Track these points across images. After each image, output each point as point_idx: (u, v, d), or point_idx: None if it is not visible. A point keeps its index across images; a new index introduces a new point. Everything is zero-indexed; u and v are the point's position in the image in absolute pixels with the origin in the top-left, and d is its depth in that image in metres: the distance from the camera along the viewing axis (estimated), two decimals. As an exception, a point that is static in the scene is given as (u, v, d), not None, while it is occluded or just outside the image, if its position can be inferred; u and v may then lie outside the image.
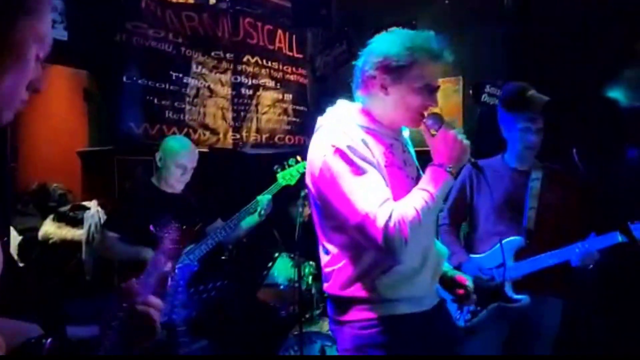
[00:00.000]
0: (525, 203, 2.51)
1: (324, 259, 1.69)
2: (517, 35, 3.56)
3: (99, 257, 3.34)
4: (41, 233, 3.55)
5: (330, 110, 1.73)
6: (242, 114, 4.32)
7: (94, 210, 3.56)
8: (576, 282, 2.60)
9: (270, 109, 4.54)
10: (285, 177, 3.10)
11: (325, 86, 4.86)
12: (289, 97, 4.69)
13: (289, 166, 3.12)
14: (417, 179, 1.67)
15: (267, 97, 4.52)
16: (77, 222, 3.56)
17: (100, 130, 3.89)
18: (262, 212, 3.00)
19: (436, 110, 1.69)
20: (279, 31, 4.63)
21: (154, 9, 3.76)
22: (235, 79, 4.28)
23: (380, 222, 1.45)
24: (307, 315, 3.34)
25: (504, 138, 2.58)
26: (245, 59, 4.34)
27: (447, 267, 1.83)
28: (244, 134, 4.33)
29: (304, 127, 4.75)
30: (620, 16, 3.13)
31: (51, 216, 3.61)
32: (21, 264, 3.57)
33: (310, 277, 3.36)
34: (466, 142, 1.59)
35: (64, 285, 3.38)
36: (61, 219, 3.60)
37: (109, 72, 3.60)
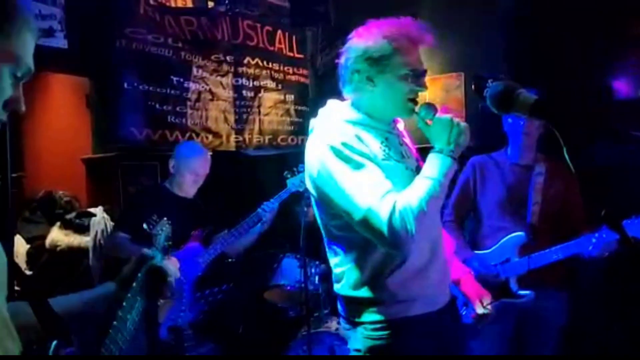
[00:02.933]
0: (529, 198, 2.50)
1: (334, 260, 1.68)
2: (517, 28, 3.55)
3: (107, 262, 3.36)
4: (49, 240, 3.58)
5: (321, 111, 1.73)
6: (244, 116, 4.33)
7: (100, 217, 3.58)
8: (581, 276, 2.59)
9: (272, 110, 4.55)
10: (295, 183, 3.11)
11: (327, 85, 4.85)
12: (290, 97, 4.69)
13: (299, 172, 3.13)
14: (418, 170, 1.65)
15: (269, 98, 4.52)
16: (83, 229, 3.58)
17: (103, 136, 3.91)
18: (265, 221, 3.00)
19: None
20: (279, 32, 4.63)
21: (153, 14, 3.77)
22: (236, 81, 4.28)
23: (384, 215, 1.43)
24: (315, 315, 3.34)
25: (505, 132, 2.57)
26: (245, 61, 4.34)
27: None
28: (246, 136, 4.34)
29: (306, 128, 4.73)
30: (622, 5, 3.11)
31: (58, 223, 3.63)
32: (29, 272, 3.60)
33: (317, 277, 3.37)
34: (463, 124, 1.57)
35: (72, 292, 3.40)
36: (68, 226, 3.62)
37: (109, 78, 3.61)
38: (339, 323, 3.29)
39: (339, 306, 1.71)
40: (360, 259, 1.59)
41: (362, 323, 1.60)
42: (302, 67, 4.81)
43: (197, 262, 2.82)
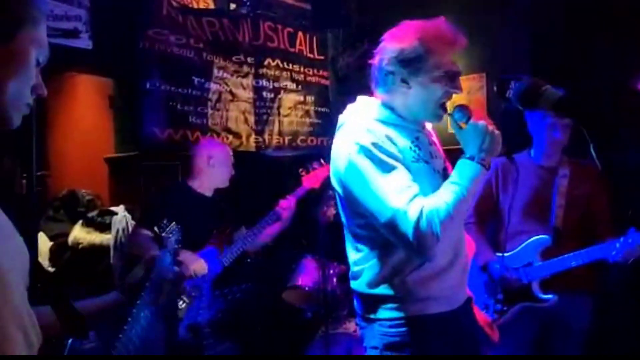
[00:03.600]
0: (552, 200, 2.45)
1: (354, 256, 1.67)
2: (541, 28, 3.50)
3: (128, 260, 3.39)
4: (71, 238, 3.63)
5: (350, 107, 1.71)
6: (264, 117, 4.35)
7: (121, 215, 3.62)
8: (605, 279, 2.54)
9: (292, 111, 4.56)
10: (310, 180, 3.10)
11: (347, 87, 4.85)
12: (310, 99, 4.69)
13: (314, 169, 3.12)
14: (445, 171, 1.64)
15: (289, 99, 4.54)
16: (105, 227, 3.62)
17: (126, 136, 3.96)
18: (285, 218, 3.01)
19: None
20: (300, 33, 4.64)
21: (175, 15, 3.81)
22: (257, 82, 4.30)
23: (411, 219, 1.42)
24: (333, 316, 3.33)
25: (529, 134, 2.53)
26: (266, 63, 4.36)
27: None
28: (266, 136, 4.35)
29: (326, 129, 4.75)
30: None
31: (80, 221, 3.68)
32: (52, 269, 3.66)
33: (336, 278, 3.36)
34: (497, 132, 1.55)
35: (94, 290, 3.44)
36: (90, 224, 3.67)
37: (132, 79, 3.66)
38: (357, 324, 3.28)
39: (355, 303, 1.70)
40: (382, 258, 1.58)
41: (379, 320, 1.59)
42: (322, 68, 4.81)
43: (218, 260, 2.83)
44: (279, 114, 4.45)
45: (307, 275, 3.37)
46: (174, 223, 2.00)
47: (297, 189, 3.10)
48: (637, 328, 2.99)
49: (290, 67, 4.54)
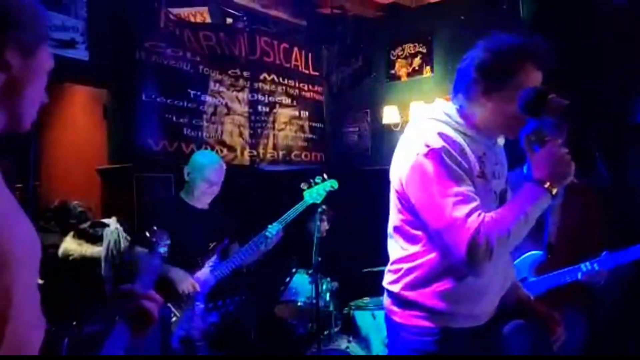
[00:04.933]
0: (546, 217, 2.47)
1: (397, 253, 1.64)
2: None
3: (119, 273, 3.36)
4: (61, 250, 3.58)
5: (426, 109, 1.67)
6: (259, 131, 4.36)
7: (113, 227, 3.58)
8: (597, 297, 2.55)
9: (287, 125, 4.58)
10: (312, 195, 3.09)
11: (341, 102, 4.89)
12: (305, 114, 4.72)
13: (316, 184, 3.12)
14: (503, 193, 1.61)
15: (284, 114, 4.56)
16: (96, 239, 3.58)
17: (119, 147, 3.94)
18: (270, 241, 2.96)
19: None
20: (295, 49, 4.68)
21: (173, 28, 3.84)
22: (252, 96, 4.32)
23: (468, 233, 1.39)
24: (325, 333, 3.31)
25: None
26: (261, 77, 4.39)
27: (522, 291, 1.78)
28: (260, 150, 4.36)
29: (320, 144, 4.77)
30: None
31: (71, 233, 3.64)
32: (41, 280, 3.60)
33: (328, 294, 3.34)
34: (570, 160, 1.47)
35: (84, 301, 3.40)
36: (81, 235, 3.63)
37: (128, 90, 3.67)
38: (349, 341, 3.26)
39: (386, 298, 1.67)
40: (425, 262, 1.56)
41: (405, 325, 1.59)
42: (317, 84, 4.85)
43: (212, 274, 2.81)
44: (273, 128, 4.46)
45: (300, 290, 3.36)
46: (164, 231, 2.05)
47: (298, 203, 3.09)
48: (628, 344, 2.99)
49: (286, 82, 4.58)
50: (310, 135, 4.74)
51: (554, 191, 1.46)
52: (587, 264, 2.29)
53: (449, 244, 1.44)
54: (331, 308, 3.34)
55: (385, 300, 1.68)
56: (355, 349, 3.22)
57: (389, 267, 1.67)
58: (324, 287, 3.32)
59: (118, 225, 3.62)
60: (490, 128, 1.60)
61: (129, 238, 3.40)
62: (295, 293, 3.35)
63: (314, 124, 4.78)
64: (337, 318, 3.41)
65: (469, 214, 1.41)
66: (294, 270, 3.41)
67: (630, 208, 2.48)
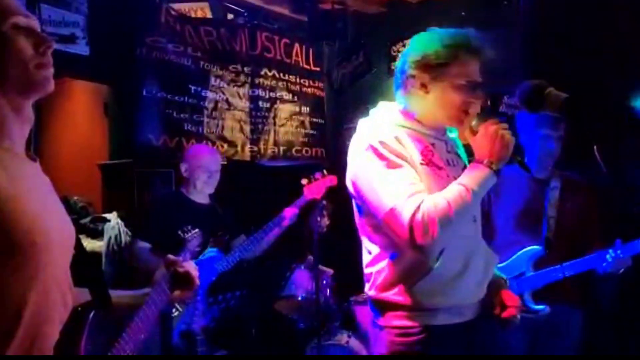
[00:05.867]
0: (544, 212, 2.48)
1: (366, 259, 1.67)
2: (533, 41, 3.54)
3: (120, 268, 3.37)
4: (62, 245, 3.60)
5: (372, 112, 1.72)
6: (259, 126, 4.36)
7: (114, 222, 3.60)
8: (595, 292, 2.56)
9: (288, 121, 4.57)
10: (312, 190, 3.10)
11: (342, 98, 4.88)
12: (306, 109, 4.71)
13: (315, 179, 3.13)
14: None
15: (285, 109, 4.55)
16: (97, 234, 3.60)
17: (120, 143, 3.95)
18: (285, 226, 3.00)
19: None
20: (296, 45, 4.67)
21: (173, 24, 3.84)
22: (253, 92, 4.32)
23: (407, 214, 1.42)
24: (325, 328, 3.32)
25: (521, 145, 2.56)
26: (262, 73, 4.38)
27: (501, 284, 1.74)
28: (261, 146, 4.36)
29: (321, 139, 4.77)
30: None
31: (72, 228, 3.65)
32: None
33: (329, 289, 3.35)
34: (509, 137, 1.54)
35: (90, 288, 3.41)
36: (82, 230, 3.64)
37: (129, 85, 3.67)
38: (349, 336, 3.27)
39: (369, 305, 1.69)
40: (391, 262, 1.58)
41: (387, 327, 1.59)
42: (318, 80, 4.84)
43: (213, 268, 2.82)
44: (274, 124, 4.46)
45: (300, 285, 3.37)
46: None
47: (299, 199, 3.10)
48: (627, 339, 3.00)
49: (287, 78, 4.57)
50: (311, 131, 4.74)
51: (494, 167, 1.51)
52: (610, 250, 2.26)
53: (393, 229, 1.47)
54: (331, 303, 3.36)
55: (369, 306, 1.69)
56: (355, 343, 3.23)
57: (364, 273, 1.69)
58: (325, 282, 3.33)
59: (119, 220, 3.64)
60: (434, 120, 1.64)
61: (129, 233, 3.41)
62: (295, 288, 3.36)
63: (314, 120, 4.77)
64: (337, 313, 3.42)
65: (407, 198, 1.44)
66: (294, 265, 3.43)
67: (629, 204, 2.49)
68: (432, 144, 1.62)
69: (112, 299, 1.29)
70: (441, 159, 1.62)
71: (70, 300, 1.13)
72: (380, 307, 1.61)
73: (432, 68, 1.56)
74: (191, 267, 1.48)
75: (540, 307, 2.36)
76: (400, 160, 1.51)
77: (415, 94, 1.61)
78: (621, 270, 2.27)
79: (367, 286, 1.67)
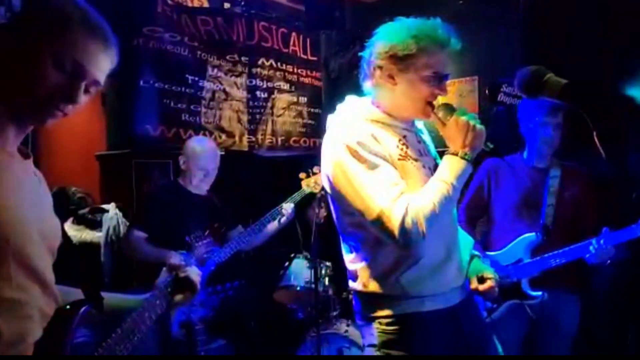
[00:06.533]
0: (543, 200, 2.49)
1: (348, 257, 1.69)
2: (534, 32, 3.53)
3: (118, 259, 3.38)
4: (61, 236, 3.60)
5: (339, 108, 1.72)
6: (257, 116, 4.35)
7: (112, 213, 3.60)
8: (592, 279, 2.57)
9: (285, 111, 4.56)
10: (310, 184, 3.11)
11: (339, 88, 4.87)
12: (303, 99, 4.71)
13: (314, 174, 3.13)
14: (435, 167, 1.65)
15: (282, 99, 4.55)
16: (96, 225, 3.60)
17: (118, 133, 3.94)
18: (283, 220, 3.01)
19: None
20: (293, 34, 4.65)
21: (170, 13, 3.81)
22: (251, 82, 4.31)
23: (397, 217, 1.43)
24: (324, 317, 3.33)
25: (521, 135, 2.56)
26: (260, 62, 4.37)
27: (477, 262, 1.79)
28: (259, 136, 4.36)
29: (319, 129, 4.76)
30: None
31: (70, 219, 3.65)
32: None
33: (327, 279, 3.36)
34: (480, 127, 1.56)
35: (83, 287, 3.42)
36: (80, 221, 3.64)
37: (126, 76, 3.64)
38: (348, 325, 3.28)
39: (353, 302, 1.71)
40: (374, 257, 1.60)
41: (376, 318, 1.61)
42: (315, 69, 4.83)
43: (211, 259, 2.83)
44: (272, 114, 4.45)
45: (299, 275, 3.37)
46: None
47: (296, 192, 3.10)
48: (624, 326, 3.03)
49: (284, 68, 4.55)
50: (308, 121, 4.73)
51: (469, 157, 1.54)
52: (594, 240, 2.27)
53: (383, 232, 1.48)
54: (330, 292, 3.36)
55: (354, 302, 1.70)
56: (354, 332, 3.25)
57: (347, 270, 1.70)
58: (323, 271, 3.33)
59: (117, 211, 3.64)
60: (402, 111, 1.64)
61: (127, 223, 3.42)
62: (294, 278, 3.37)
63: (312, 110, 4.77)
64: (336, 302, 3.43)
65: (394, 200, 1.45)
66: (292, 255, 3.43)
67: (627, 192, 2.49)
68: (404, 136, 1.63)
69: (111, 300, 1.27)
70: (414, 151, 1.63)
71: (55, 295, 1.11)
72: (369, 300, 1.63)
73: (400, 59, 1.56)
74: (193, 273, 1.45)
75: (538, 293, 2.39)
76: (379, 160, 1.52)
77: (383, 86, 1.61)
78: (608, 262, 2.27)
79: (351, 282, 1.68)
